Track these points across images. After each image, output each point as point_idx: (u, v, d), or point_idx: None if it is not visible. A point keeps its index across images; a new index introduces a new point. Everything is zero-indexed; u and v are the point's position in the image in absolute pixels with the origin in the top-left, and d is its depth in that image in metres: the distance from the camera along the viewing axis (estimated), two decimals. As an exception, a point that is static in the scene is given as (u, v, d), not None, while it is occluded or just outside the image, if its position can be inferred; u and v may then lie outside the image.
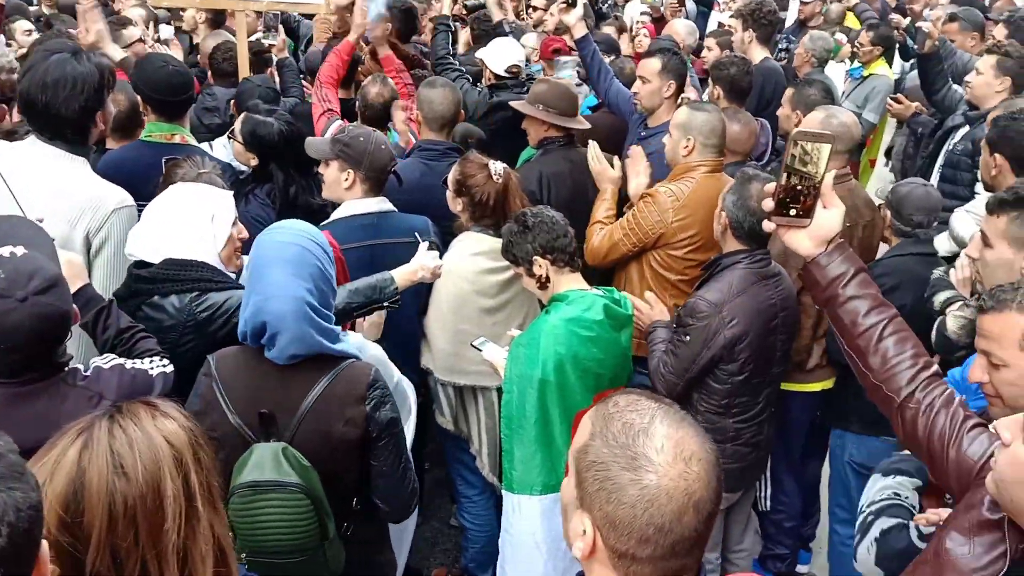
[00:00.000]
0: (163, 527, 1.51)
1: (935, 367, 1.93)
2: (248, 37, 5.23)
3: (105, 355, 2.29)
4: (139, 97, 3.88)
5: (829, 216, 1.88)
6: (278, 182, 3.58)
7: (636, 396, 1.34)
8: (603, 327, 2.97)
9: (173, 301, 2.55)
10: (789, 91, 4.61)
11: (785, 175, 1.81)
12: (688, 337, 3.04)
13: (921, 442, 1.86)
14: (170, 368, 2.32)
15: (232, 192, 2.87)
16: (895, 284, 3.28)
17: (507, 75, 5.03)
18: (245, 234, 2.75)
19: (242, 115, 3.77)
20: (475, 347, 3.14)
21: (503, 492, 3.13)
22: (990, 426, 1.77)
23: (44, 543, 1.20)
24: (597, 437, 1.28)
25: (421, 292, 3.34)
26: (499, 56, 5.08)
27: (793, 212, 1.86)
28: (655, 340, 3.27)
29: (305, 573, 2.24)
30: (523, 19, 7.87)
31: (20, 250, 2.00)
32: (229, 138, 3.90)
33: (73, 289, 2.38)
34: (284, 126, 3.63)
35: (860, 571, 2.19)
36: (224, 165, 3.88)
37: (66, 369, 2.11)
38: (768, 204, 1.86)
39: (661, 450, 1.23)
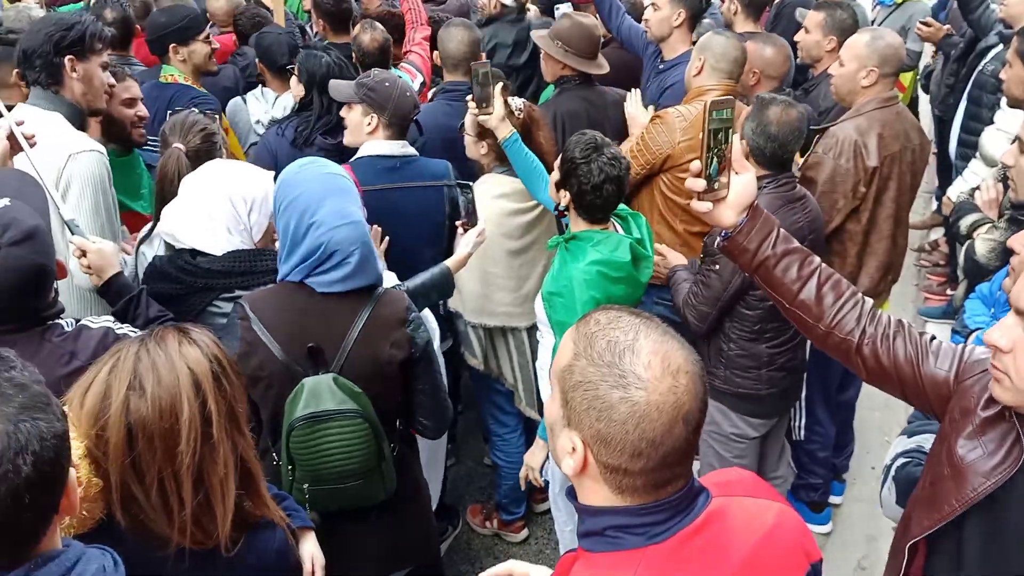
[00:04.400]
0: (176, 448, 1.58)
1: (870, 300, 1.94)
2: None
3: (103, 316, 2.25)
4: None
5: (744, 181, 1.85)
6: (316, 110, 3.65)
7: (616, 312, 1.33)
8: (630, 268, 2.92)
9: None
10: (818, 16, 4.32)
11: (706, 148, 1.74)
12: (718, 266, 3.03)
13: (889, 372, 1.85)
14: None
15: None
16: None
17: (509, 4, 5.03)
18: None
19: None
20: None
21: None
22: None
23: (72, 471, 1.23)
24: (582, 357, 1.28)
25: (443, 236, 3.35)
26: None
27: (716, 185, 1.81)
28: (678, 280, 3.30)
29: (365, 495, 2.34)
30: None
31: (3, 202, 1.94)
32: (288, 70, 4.00)
33: (104, 278, 2.44)
34: (335, 60, 3.68)
35: (887, 516, 2.19)
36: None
37: (48, 324, 2.05)
38: (698, 184, 1.79)
39: (648, 366, 1.23)
